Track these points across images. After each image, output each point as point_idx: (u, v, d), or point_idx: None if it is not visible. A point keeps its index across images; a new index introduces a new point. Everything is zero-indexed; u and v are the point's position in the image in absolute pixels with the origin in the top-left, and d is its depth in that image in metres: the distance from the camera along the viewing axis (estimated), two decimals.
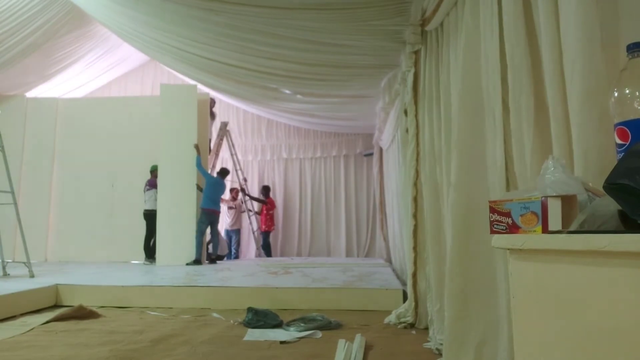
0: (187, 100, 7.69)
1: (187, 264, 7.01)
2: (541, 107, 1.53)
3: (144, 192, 7.76)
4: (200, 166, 7.39)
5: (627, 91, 0.91)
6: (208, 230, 7.72)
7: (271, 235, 9.87)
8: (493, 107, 1.95)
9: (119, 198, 8.25)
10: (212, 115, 8.70)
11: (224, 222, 9.89)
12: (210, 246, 7.99)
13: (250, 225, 9.93)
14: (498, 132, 1.90)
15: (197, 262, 7.14)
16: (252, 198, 9.88)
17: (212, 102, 8.57)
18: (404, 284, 4.66)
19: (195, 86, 7.84)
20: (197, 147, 7.45)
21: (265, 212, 9.70)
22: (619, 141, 0.92)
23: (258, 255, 9.76)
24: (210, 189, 7.47)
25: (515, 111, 1.67)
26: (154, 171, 7.71)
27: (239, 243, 9.84)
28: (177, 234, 7.24)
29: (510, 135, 1.77)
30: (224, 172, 8.06)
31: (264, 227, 9.70)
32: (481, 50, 2.10)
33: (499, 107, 1.88)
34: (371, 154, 9.80)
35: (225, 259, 8.70)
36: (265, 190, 9.94)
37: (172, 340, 3.26)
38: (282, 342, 3.19)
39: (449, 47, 2.73)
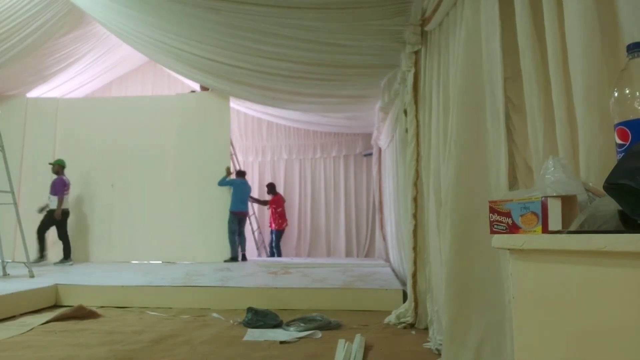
0: (219, 109, 8.09)
1: (225, 261, 7.46)
2: (549, 107, 1.52)
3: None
4: (222, 182, 7.76)
5: (627, 91, 0.91)
6: None
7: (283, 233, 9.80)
8: (497, 106, 1.94)
9: (118, 198, 8.24)
10: None
11: None
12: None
13: (251, 226, 9.92)
14: (501, 130, 1.88)
15: (233, 259, 7.58)
16: (252, 200, 9.86)
17: None
18: (403, 284, 4.66)
19: (227, 97, 8.09)
20: (228, 169, 7.89)
21: (273, 210, 9.67)
22: (619, 141, 0.92)
23: (268, 255, 9.75)
24: (237, 191, 7.83)
25: (529, 111, 1.65)
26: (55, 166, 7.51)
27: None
28: (210, 234, 7.69)
29: (514, 134, 1.76)
30: (242, 173, 8.39)
31: (274, 225, 9.67)
32: (482, 47, 2.09)
33: (502, 106, 1.86)
34: (370, 154, 9.79)
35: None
36: (269, 188, 9.86)
37: (171, 341, 3.26)
38: (281, 342, 3.19)
39: (449, 47, 2.73)
